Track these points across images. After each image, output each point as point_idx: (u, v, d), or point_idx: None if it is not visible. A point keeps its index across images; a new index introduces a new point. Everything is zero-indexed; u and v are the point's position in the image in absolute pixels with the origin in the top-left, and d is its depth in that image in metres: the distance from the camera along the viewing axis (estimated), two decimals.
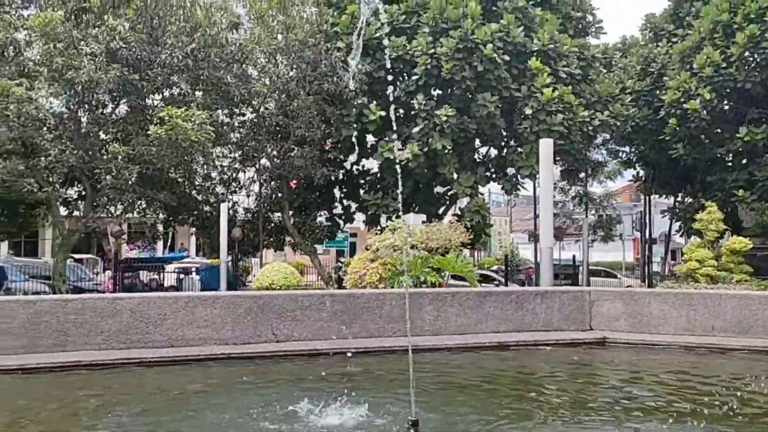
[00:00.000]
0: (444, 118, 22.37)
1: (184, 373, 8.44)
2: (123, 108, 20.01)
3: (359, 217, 28.31)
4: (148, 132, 17.71)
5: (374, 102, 22.95)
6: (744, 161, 26.23)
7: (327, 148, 25.11)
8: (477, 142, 26.43)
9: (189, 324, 9.45)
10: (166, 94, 20.82)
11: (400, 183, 24.06)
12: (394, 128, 22.90)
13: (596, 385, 8.24)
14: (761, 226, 31.51)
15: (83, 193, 21.50)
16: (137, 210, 23.25)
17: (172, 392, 7.48)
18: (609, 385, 8.23)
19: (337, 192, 27.45)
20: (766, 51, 22.72)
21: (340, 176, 26.56)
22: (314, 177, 23.30)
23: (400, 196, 24.37)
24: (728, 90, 24.21)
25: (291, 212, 26.72)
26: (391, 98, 24.32)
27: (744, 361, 9.38)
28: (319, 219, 28.52)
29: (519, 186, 27.39)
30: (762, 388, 7.42)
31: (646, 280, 27.55)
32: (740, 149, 24.78)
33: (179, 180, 23.16)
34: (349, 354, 8.36)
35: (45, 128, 18.60)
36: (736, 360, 9.42)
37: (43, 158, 18.10)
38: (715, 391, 7.26)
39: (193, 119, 17.72)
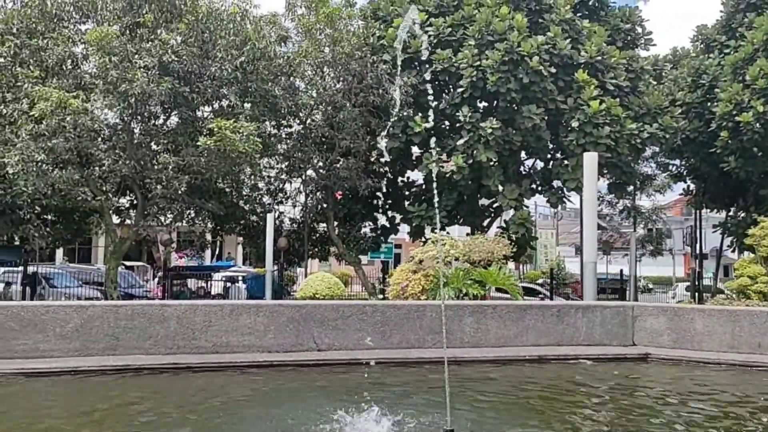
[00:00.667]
0: (489, 131, 22.36)
1: (229, 379, 8.67)
2: (174, 119, 20.62)
3: (404, 229, 28.44)
4: (198, 143, 18.21)
5: (419, 114, 23.12)
6: None
7: (372, 159, 25.36)
8: (522, 154, 26.31)
9: (233, 331, 9.70)
10: (216, 106, 21.38)
11: (434, 193, 24.09)
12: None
13: (638, 400, 8.14)
14: None
15: (135, 202, 22.20)
16: (186, 219, 23.86)
17: (217, 398, 7.70)
18: (654, 401, 8.12)
19: (381, 203, 27.66)
20: None
21: (384, 188, 26.76)
22: (359, 188, 23.54)
23: (436, 208, 24.40)
24: None
25: (336, 223, 27.04)
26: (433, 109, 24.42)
27: None
28: (363, 230, 28.77)
29: (565, 199, 27.11)
30: None
31: (696, 295, 26.91)
32: None
33: (227, 190, 23.69)
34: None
35: (99, 139, 19.30)
36: None
37: (97, 168, 18.78)
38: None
39: (241, 131, 18.15)
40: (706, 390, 8.64)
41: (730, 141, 24.50)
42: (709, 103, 26.11)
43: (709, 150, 25.78)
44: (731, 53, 25.52)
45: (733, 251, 29.06)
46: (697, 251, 32.48)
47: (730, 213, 29.41)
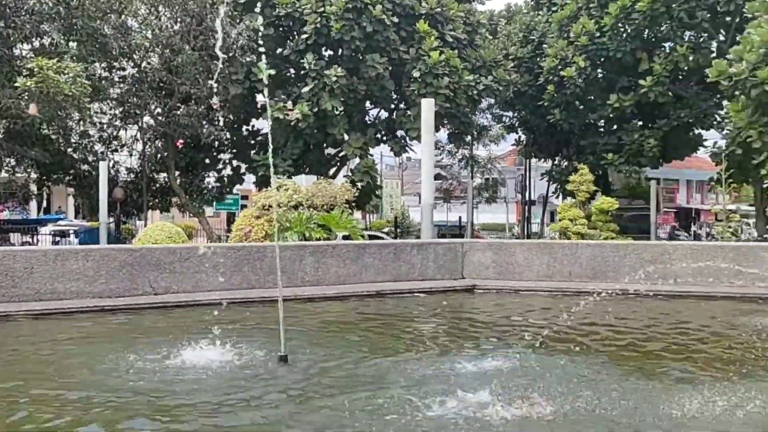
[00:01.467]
0: (334, 79, 22.44)
1: (53, 324, 8.26)
2: None
3: (250, 179, 28.03)
4: (16, 84, 16.70)
5: (263, 60, 22.68)
6: (614, 127, 28.03)
7: (214, 106, 24.60)
8: (367, 103, 26.69)
9: (59, 277, 9.20)
10: (36, 44, 19.63)
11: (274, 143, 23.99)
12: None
13: (464, 322, 8.84)
14: (628, 187, 33.93)
15: None
16: (6, 168, 21.93)
17: (40, 343, 7.34)
18: (478, 322, 8.86)
19: (225, 152, 26.97)
20: (636, 22, 24.23)
21: (229, 136, 26.13)
22: (201, 136, 22.83)
23: (269, 156, 24.35)
24: (602, 59, 25.70)
25: (177, 172, 26.08)
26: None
27: (597, 302, 10.28)
28: (207, 180, 27.99)
29: (408, 148, 27.98)
30: (608, 322, 8.24)
31: (527, 239, 29.11)
32: (610, 115, 26.45)
33: (53, 137, 22.03)
34: (223, 304, 8.48)
35: None
36: (589, 300, 10.29)
37: None
38: (559, 323, 7.98)
39: (66, 72, 16.87)
40: (522, 310, 9.64)
41: (555, 94, 26.43)
42: (538, 58, 27.90)
43: (538, 103, 27.67)
44: (558, 11, 27.32)
45: (557, 197, 31.66)
46: (527, 198, 35.02)
47: (555, 162, 31.92)
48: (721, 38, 25.24)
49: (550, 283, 11.21)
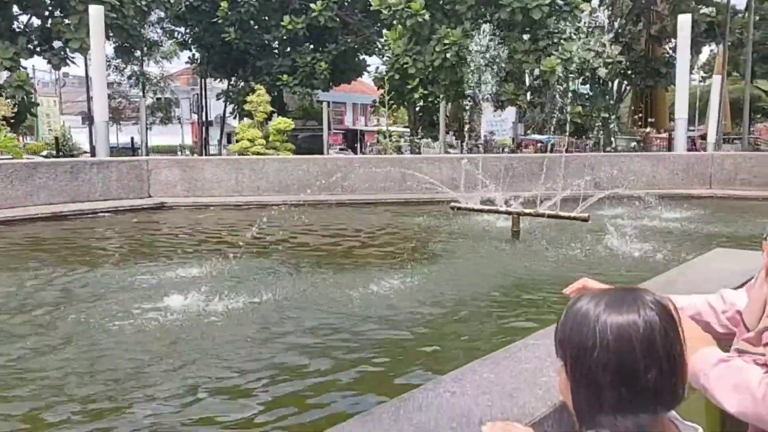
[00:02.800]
0: None
1: None
2: None
3: None
4: None
5: None
6: (288, 49, 28.84)
7: None
8: (15, 8, 23.26)
9: None
10: None
11: None
12: None
13: (159, 237, 8.70)
14: (302, 109, 35.48)
15: None
16: None
17: None
18: (171, 236, 8.80)
19: None
20: None
21: None
22: None
23: None
24: None
25: None
26: None
27: (285, 212, 10.91)
28: None
29: (69, 61, 25.22)
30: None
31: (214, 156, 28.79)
32: (284, 37, 27.12)
33: None
34: None
35: None
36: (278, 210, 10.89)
37: None
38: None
39: None
40: (214, 223, 9.85)
41: (229, 12, 26.07)
42: None
43: (212, 20, 27.01)
44: None
45: (234, 118, 31.76)
46: (204, 119, 34.47)
47: (232, 82, 31.81)
48: None
49: (240, 197, 11.51)
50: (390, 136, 26.14)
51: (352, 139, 41.83)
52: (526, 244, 7.43)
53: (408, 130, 29.94)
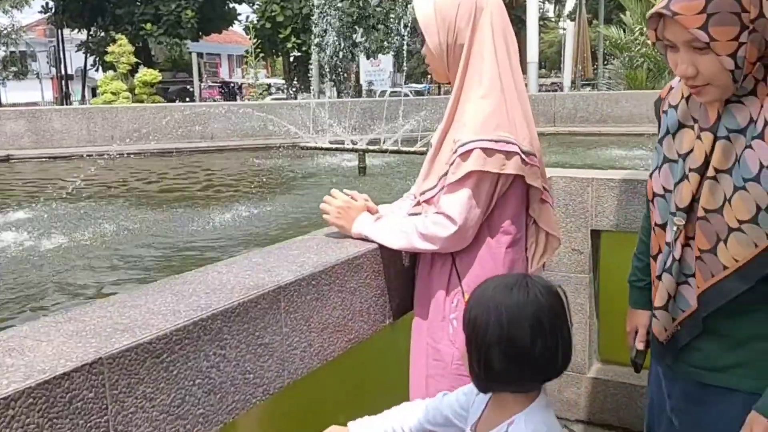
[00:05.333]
0: None
1: None
2: None
3: None
4: None
5: None
6: None
7: None
8: None
9: None
10: None
11: None
12: None
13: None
14: (171, 60, 34.10)
15: None
16: None
17: None
18: (17, 188, 8.48)
19: None
20: None
21: None
22: None
23: None
24: None
25: None
26: None
27: (141, 160, 10.72)
28: None
29: None
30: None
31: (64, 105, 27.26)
32: None
33: None
34: None
35: None
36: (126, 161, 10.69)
37: None
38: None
39: None
40: (55, 173, 9.51)
41: None
42: None
43: None
44: None
45: (97, 70, 30.11)
46: (63, 72, 32.43)
47: (91, 32, 30.04)
48: None
49: (92, 147, 11.14)
50: (267, 88, 25.74)
51: (230, 93, 40.80)
52: (372, 179, 7.80)
53: (283, 81, 29.63)
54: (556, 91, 22.91)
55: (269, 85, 27.23)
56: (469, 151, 1.67)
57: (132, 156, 10.75)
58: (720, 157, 1.31)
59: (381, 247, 1.88)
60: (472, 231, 1.73)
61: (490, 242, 1.78)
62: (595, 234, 3.05)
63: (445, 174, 1.73)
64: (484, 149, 1.66)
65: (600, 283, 3.14)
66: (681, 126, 1.43)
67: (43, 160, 10.57)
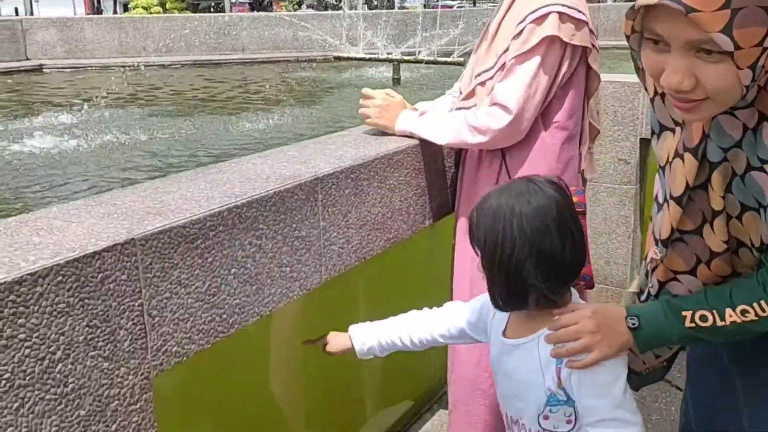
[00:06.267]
0: None
1: None
2: None
3: None
4: None
5: None
6: None
7: None
8: None
9: None
10: None
11: None
12: None
13: (36, 100, 8.38)
14: None
15: None
16: None
17: None
18: (54, 96, 8.51)
19: None
20: None
21: None
22: None
23: None
24: None
25: None
26: None
27: (174, 71, 10.62)
28: None
29: None
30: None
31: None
32: None
33: None
34: None
35: None
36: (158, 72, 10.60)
37: None
38: None
39: None
40: (90, 84, 9.44)
41: None
42: None
43: None
44: None
45: None
46: None
47: None
48: None
49: (125, 59, 11.04)
50: (299, 3, 25.10)
51: (260, 9, 39.90)
52: (406, 89, 7.61)
53: None
54: (599, 2, 21.93)
55: (300, 1, 26.56)
56: (545, 16, 1.56)
57: (163, 67, 10.65)
58: (719, 184, 1.03)
59: (422, 144, 1.78)
60: (528, 123, 1.62)
61: (544, 137, 1.67)
62: (645, 143, 2.90)
63: (506, 51, 1.62)
64: (560, 14, 1.56)
65: (646, 196, 3.02)
66: (663, 128, 1.13)
67: (75, 69, 10.52)
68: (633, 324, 1.12)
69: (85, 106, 6.62)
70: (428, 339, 1.39)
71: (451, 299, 1.86)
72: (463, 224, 1.82)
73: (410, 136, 1.78)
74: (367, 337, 1.41)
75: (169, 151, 4.84)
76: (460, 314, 1.38)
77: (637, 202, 2.95)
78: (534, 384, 1.18)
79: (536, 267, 1.11)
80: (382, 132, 1.84)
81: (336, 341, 1.44)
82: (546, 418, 1.18)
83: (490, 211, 1.14)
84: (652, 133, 1.16)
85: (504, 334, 1.26)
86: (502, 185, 1.22)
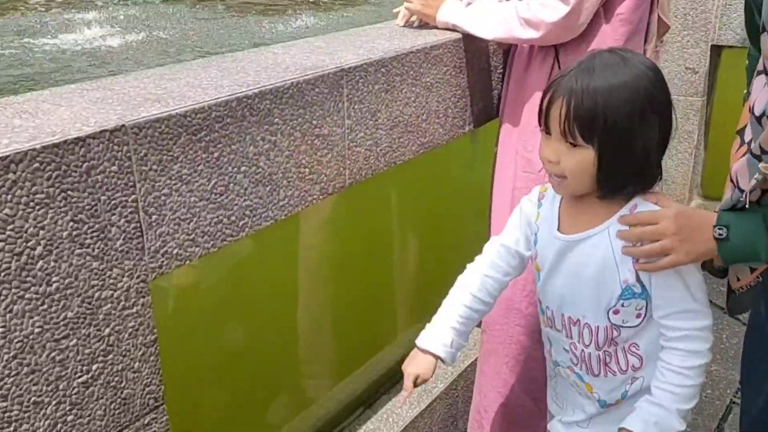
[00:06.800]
0: None
1: None
2: None
3: None
4: None
5: None
6: None
7: None
8: None
9: None
10: None
11: None
12: None
13: None
14: None
15: None
16: None
17: None
18: None
19: None
20: None
21: None
22: None
23: None
24: None
25: None
26: None
27: None
28: None
29: None
30: None
31: None
32: None
33: None
34: None
35: None
36: None
37: None
38: None
39: None
40: None
41: None
42: None
43: None
44: None
45: None
46: None
47: None
48: None
49: None
50: None
51: None
52: None
53: None
54: None
55: None
56: None
57: None
58: None
59: (465, 39, 1.59)
60: (587, 15, 1.42)
61: (605, 31, 1.46)
62: (716, 50, 2.63)
63: None
64: None
65: (713, 109, 2.77)
66: None
67: None
68: (720, 234, 1.01)
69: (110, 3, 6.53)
70: (494, 286, 1.23)
71: (489, 213, 1.73)
72: (507, 130, 1.65)
73: (453, 29, 1.59)
74: (439, 337, 1.21)
75: (201, 53, 4.74)
76: (506, 240, 1.24)
77: (703, 116, 2.71)
78: (607, 277, 1.10)
79: (658, 147, 1.06)
80: (422, 25, 1.66)
81: (420, 366, 1.20)
82: (616, 312, 1.11)
83: (580, 82, 1.02)
84: (763, 29, 0.96)
85: (559, 230, 1.16)
86: (585, 56, 1.08)
